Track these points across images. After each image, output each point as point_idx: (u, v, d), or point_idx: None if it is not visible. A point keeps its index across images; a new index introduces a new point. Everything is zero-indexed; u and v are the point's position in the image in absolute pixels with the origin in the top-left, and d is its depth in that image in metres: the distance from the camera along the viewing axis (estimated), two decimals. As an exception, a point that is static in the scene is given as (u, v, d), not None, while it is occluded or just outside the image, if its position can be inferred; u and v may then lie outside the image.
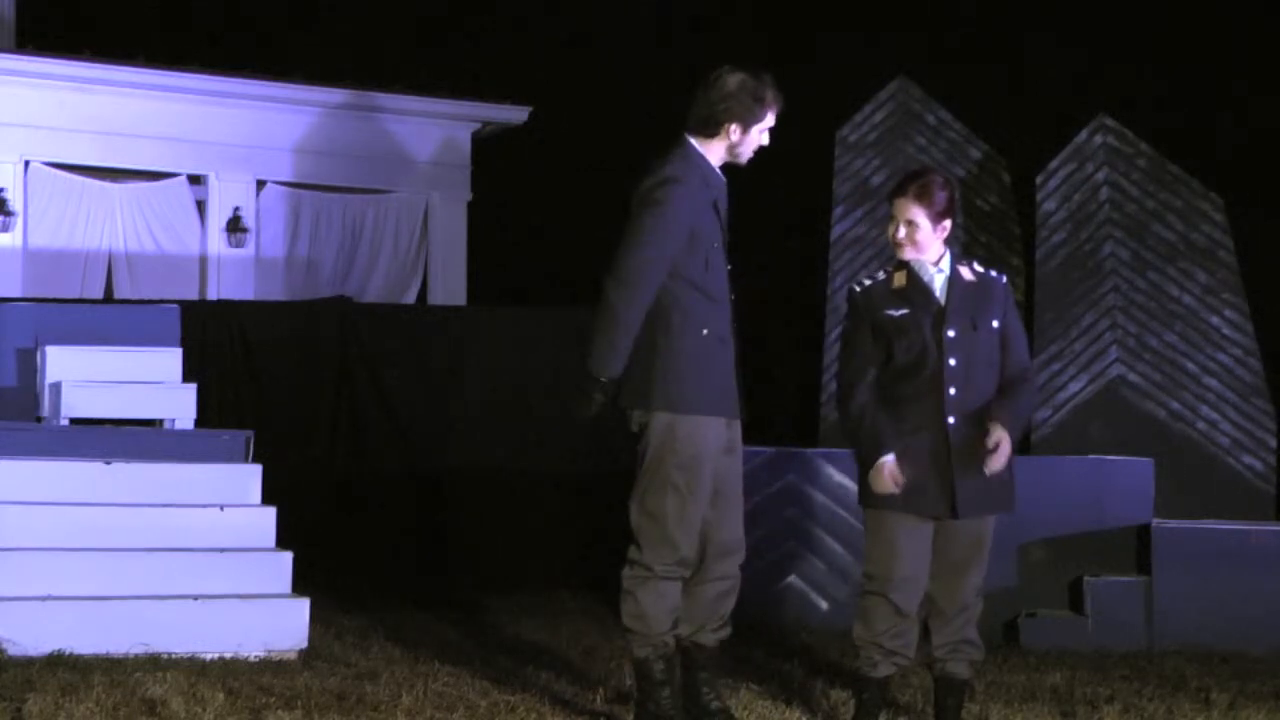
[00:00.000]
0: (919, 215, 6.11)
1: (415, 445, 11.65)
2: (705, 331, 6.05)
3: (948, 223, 6.15)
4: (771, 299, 14.21)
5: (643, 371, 6.03)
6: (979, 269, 6.21)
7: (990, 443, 5.96)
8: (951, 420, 6.03)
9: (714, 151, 6.14)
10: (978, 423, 6.03)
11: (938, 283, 6.13)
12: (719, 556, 6.22)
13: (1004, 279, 6.22)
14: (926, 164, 10.08)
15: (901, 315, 6.10)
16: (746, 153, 6.18)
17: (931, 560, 6.16)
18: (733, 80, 6.10)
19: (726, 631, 6.34)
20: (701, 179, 6.08)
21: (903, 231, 6.13)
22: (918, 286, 6.13)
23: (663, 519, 6.03)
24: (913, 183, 6.17)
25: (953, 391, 6.04)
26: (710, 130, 6.12)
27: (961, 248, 10.20)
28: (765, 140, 6.20)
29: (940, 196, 6.11)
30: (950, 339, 6.05)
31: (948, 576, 6.17)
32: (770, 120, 6.16)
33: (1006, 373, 6.12)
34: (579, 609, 9.38)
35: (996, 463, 5.98)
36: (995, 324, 6.09)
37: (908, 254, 6.15)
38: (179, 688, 6.67)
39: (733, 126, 6.10)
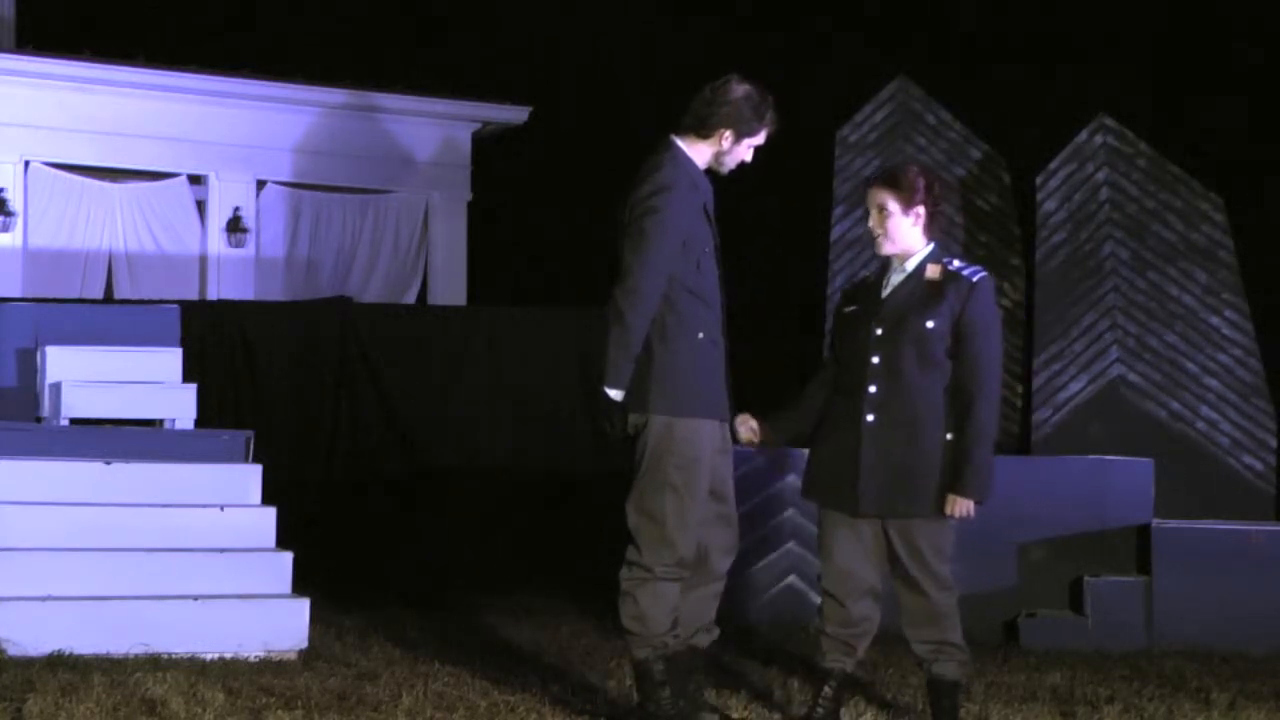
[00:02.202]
0: (889, 201, 6.15)
1: (415, 445, 11.67)
2: (700, 335, 6.08)
3: (922, 210, 6.14)
4: (771, 299, 14.22)
5: (639, 375, 6.05)
6: (953, 267, 6.15)
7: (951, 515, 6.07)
8: (870, 418, 6.09)
9: (701, 155, 6.16)
10: (903, 422, 6.06)
11: (894, 280, 6.17)
12: (722, 555, 6.25)
13: (977, 277, 6.12)
14: (920, 161, 10.11)
15: (850, 312, 6.26)
16: (730, 164, 6.21)
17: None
18: (739, 89, 6.13)
19: (717, 632, 6.37)
20: (690, 183, 6.10)
21: (873, 218, 6.18)
22: (877, 284, 6.21)
23: (662, 520, 6.05)
24: (885, 171, 6.27)
25: (872, 389, 6.10)
26: (703, 132, 6.14)
27: (961, 248, 10.19)
28: (749, 157, 6.23)
29: (914, 183, 6.14)
30: (875, 336, 6.11)
31: (898, 576, 6.20)
32: (761, 138, 6.20)
33: (956, 381, 6.07)
34: (579, 609, 9.38)
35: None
36: (930, 324, 6.04)
37: (885, 246, 6.20)
38: (179, 688, 6.67)
39: (726, 133, 6.13)
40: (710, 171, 6.23)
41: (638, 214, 6.02)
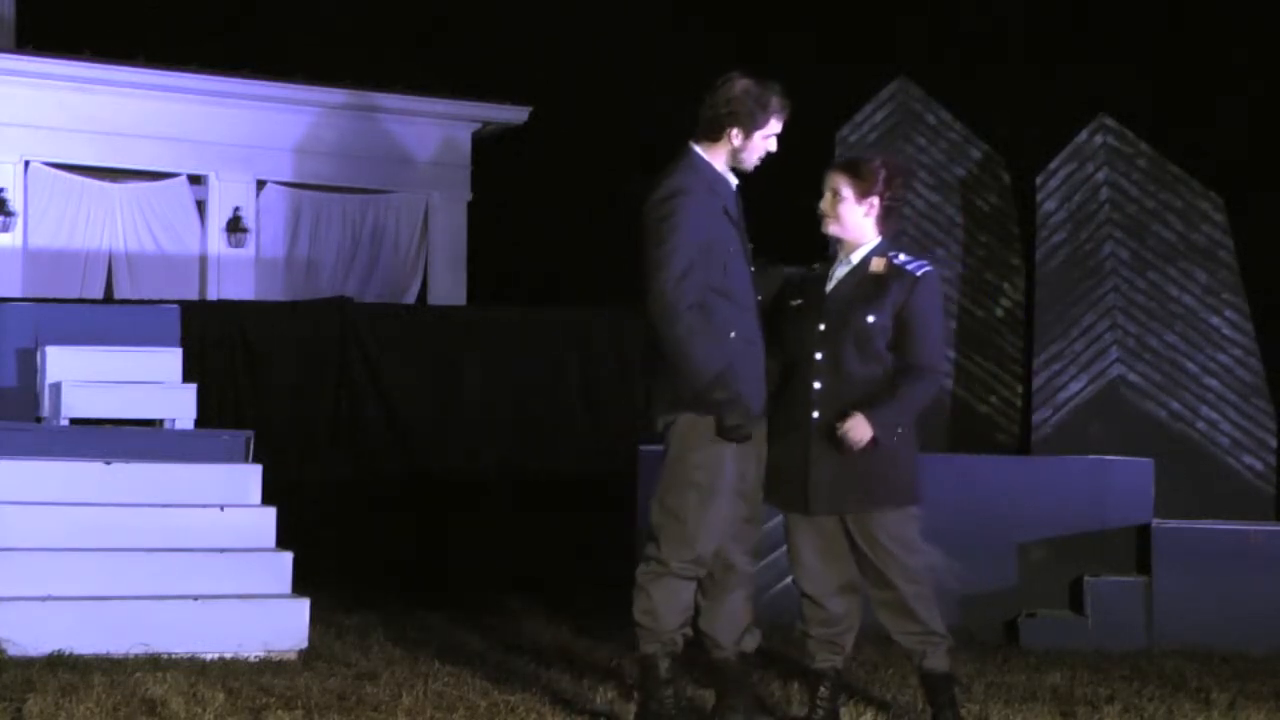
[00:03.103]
0: (844, 186, 6.14)
1: (415, 445, 11.67)
2: (732, 334, 6.06)
3: (876, 201, 6.13)
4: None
5: (670, 374, 6.04)
6: (899, 260, 6.12)
7: (839, 430, 5.96)
8: (815, 415, 6.07)
9: (718, 157, 6.15)
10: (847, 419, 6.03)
11: (839, 273, 6.16)
12: (747, 556, 6.26)
13: (923, 270, 6.10)
14: (919, 160, 10.14)
15: (795, 305, 6.21)
16: (751, 159, 6.18)
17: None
18: (737, 85, 6.11)
19: (759, 633, 6.39)
20: (707, 186, 6.08)
21: (826, 200, 6.16)
22: (823, 277, 6.18)
23: (683, 517, 6.05)
24: (847, 158, 6.30)
25: (817, 386, 6.09)
26: (713, 135, 6.13)
27: (962, 248, 10.19)
28: (772, 147, 6.19)
29: (873, 173, 6.13)
30: (819, 332, 6.08)
31: (864, 573, 6.19)
32: (775, 127, 6.16)
33: (900, 364, 6.06)
34: (579, 609, 9.37)
35: (849, 445, 5.94)
36: (870, 319, 6.03)
37: (831, 227, 6.17)
38: (179, 688, 6.67)
39: (734, 131, 6.11)
40: (740, 171, 6.21)
41: (652, 221, 6.01)
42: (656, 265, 5.96)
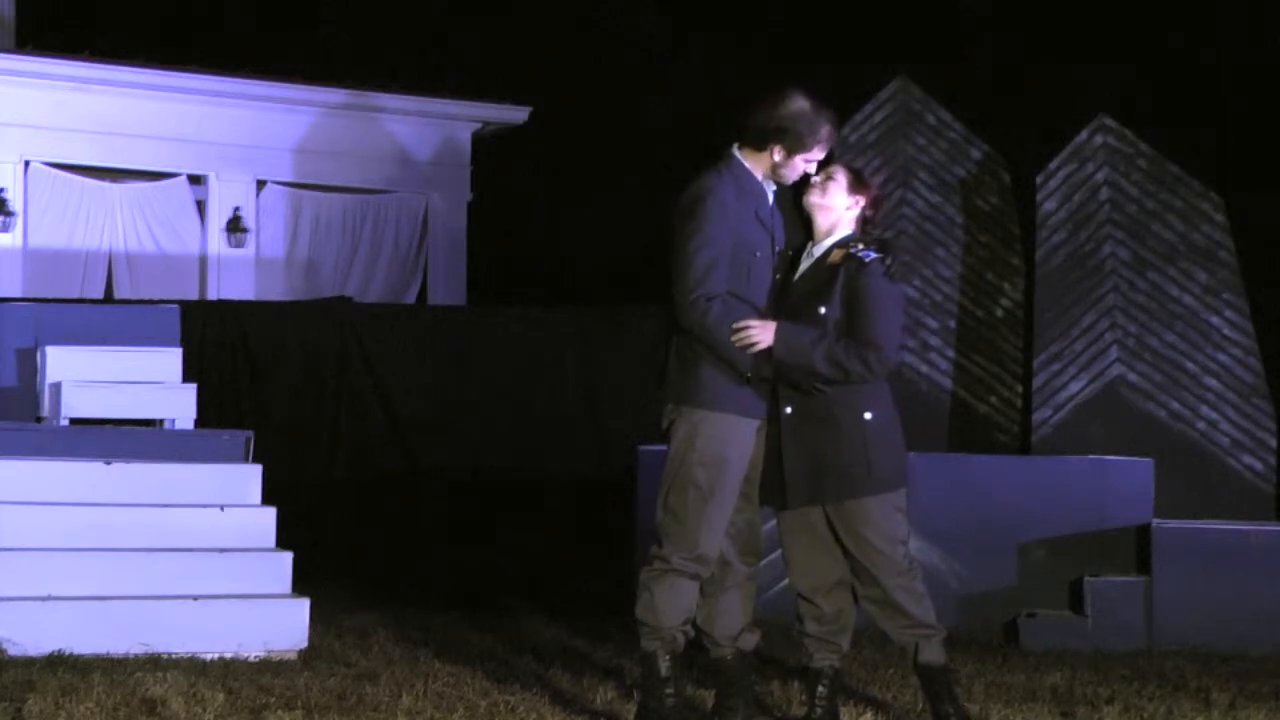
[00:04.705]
0: (840, 174, 6.20)
1: (415, 445, 11.67)
2: None
3: (860, 200, 6.19)
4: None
5: (683, 371, 6.09)
6: (855, 251, 6.14)
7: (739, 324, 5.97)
8: (788, 410, 6.10)
9: (758, 166, 6.17)
10: (819, 410, 6.05)
11: (803, 267, 6.20)
12: (746, 557, 6.27)
13: (869, 257, 6.10)
14: (921, 163, 10.15)
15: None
16: (789, 176, 6.20)
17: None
18: (793, 105, 6.11)
19: (759, 633, 6.40)
20: (738, 190, 6.10)
21: (819, 176, 6.19)
22: (792, 272, 6.21)
23: (683, 516, 6.07)
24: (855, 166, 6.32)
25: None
26: (757, 145, 6.15)
27: (962, 248, 10.19)
28: (811, 170, 6.22)
29: (870, 184, 6.25)
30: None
31: (855, 571, 6.19)
32: (818, 155, 6.19)
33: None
34: (578, 609, 9.38)
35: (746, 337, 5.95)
36: (823, 310, 6.05)
37: (813, 195, 6.19)
38: (179, 688, 6.67)
39: (777, 149, 6.12)
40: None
41: (679, 220, 6.06)
42: (683, 263, 6.00)
